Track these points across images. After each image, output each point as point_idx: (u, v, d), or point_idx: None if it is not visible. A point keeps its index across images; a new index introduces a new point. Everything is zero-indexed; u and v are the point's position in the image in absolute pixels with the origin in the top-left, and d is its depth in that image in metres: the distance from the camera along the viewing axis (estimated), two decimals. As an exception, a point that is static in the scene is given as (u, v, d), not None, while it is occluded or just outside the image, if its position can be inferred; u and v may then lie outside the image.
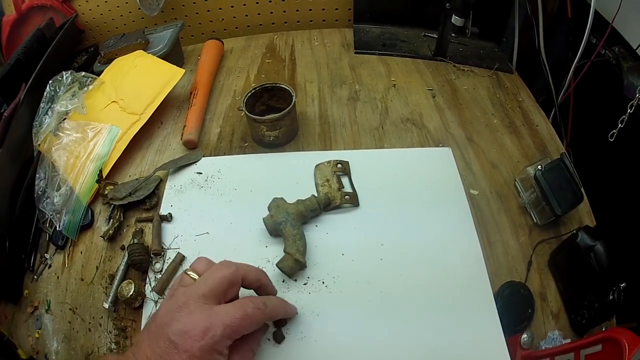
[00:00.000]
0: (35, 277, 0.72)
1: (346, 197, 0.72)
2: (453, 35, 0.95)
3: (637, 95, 0.79)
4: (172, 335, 0.45)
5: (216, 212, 0.73)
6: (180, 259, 0.67)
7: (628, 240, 0.81)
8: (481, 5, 0.86)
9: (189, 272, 0.51)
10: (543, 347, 0.60)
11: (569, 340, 0.60)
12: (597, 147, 0.92)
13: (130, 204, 0.75)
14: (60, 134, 0.85)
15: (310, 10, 1.17)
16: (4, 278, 0.70)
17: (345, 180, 0.75)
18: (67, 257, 0.73)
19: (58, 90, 0.90)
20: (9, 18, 1.09)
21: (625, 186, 0.91)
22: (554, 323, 0.63)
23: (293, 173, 0.77)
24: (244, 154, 0.83)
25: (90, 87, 0.93)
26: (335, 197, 0.72)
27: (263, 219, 0.68)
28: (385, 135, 0.85)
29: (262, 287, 0.55)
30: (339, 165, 0.77)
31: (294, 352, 0.58)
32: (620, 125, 0.82)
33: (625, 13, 0.87)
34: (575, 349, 0.54)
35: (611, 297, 0.58)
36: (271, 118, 0.78)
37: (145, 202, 0.75)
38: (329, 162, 0.77)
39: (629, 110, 0.80)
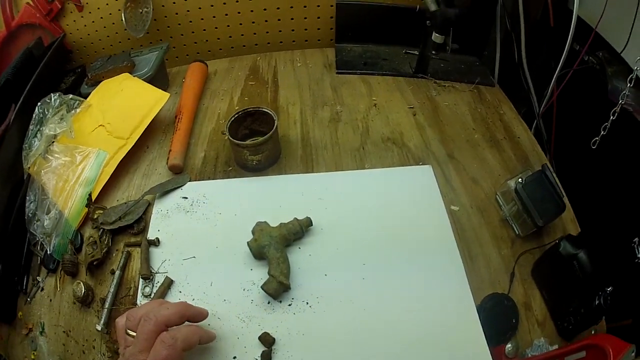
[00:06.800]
0: (29, 299, 0.73)
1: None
2: (434, 52, 0.95)
3: (620, 101, 0.79)
4: None
5: (202, 236, 0.74)
6: (168, 282, 0.68)
7: (613, 245, 0.81)
8: (461, 22, 0.86)
9: (128, 332, 0.54)
10: (529, 355, 0.61)
11: (556, 347, 0.61)
12: (581, 155, 0.91)
13: (119, 228, 0.76)
14: (49, 157, 0.85)
15: (293, 30, 1.18)
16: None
17: None
18: (59, 280, 0.73)
19: (47, 113, 0.91)
20: (-1, 35, 1.10)
21: (609, 192, 0.91)
22: (540, 331, 0.64)
23: (276, 197, 0.78)
24: (228, 178, 0.84)
25: (78, 110, 0.93)
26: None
27: (247, 242, 0.69)
28: (366, 155, 0.86)
29: (190, 318, 0.58)
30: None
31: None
32: (602, 132, 0.82)
33: (609, 17, 0.86)
34: (560, 356, 0.55)
35: (597, 302, 0.58)
36: (254, 143, 0.79)
37: (133, 227, 0.76)
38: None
39: (611, 117, 0.80)
